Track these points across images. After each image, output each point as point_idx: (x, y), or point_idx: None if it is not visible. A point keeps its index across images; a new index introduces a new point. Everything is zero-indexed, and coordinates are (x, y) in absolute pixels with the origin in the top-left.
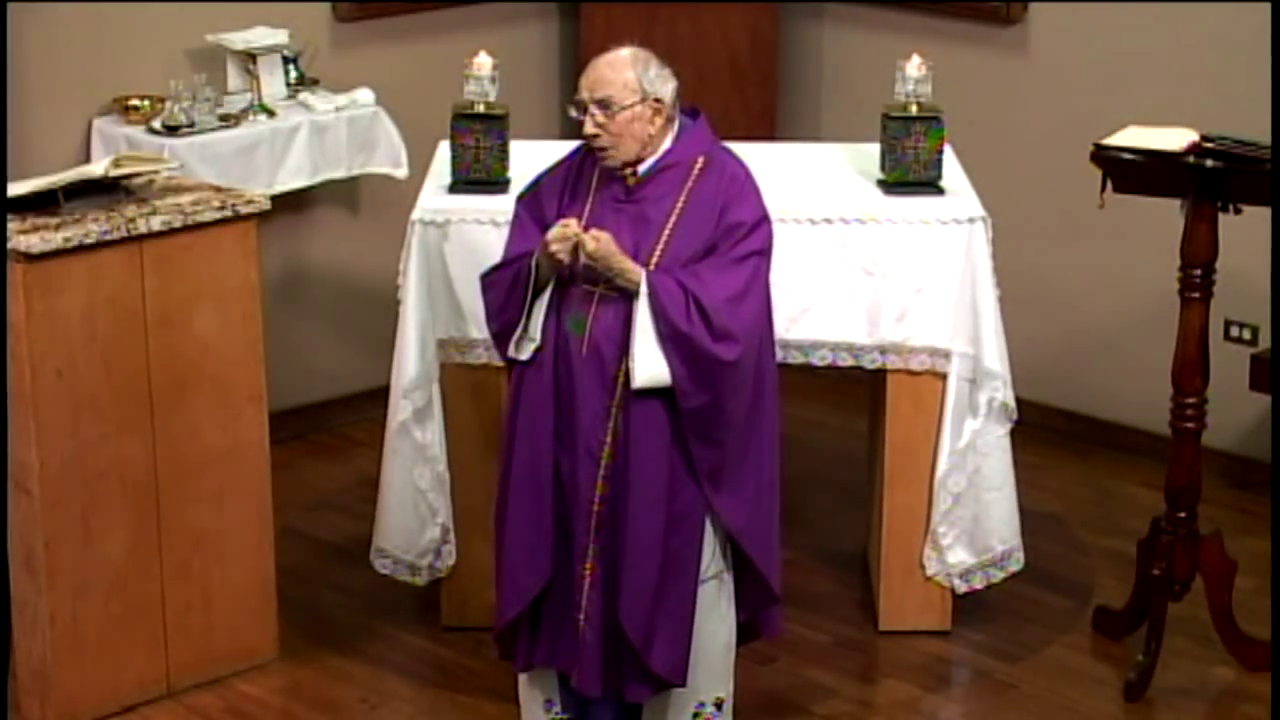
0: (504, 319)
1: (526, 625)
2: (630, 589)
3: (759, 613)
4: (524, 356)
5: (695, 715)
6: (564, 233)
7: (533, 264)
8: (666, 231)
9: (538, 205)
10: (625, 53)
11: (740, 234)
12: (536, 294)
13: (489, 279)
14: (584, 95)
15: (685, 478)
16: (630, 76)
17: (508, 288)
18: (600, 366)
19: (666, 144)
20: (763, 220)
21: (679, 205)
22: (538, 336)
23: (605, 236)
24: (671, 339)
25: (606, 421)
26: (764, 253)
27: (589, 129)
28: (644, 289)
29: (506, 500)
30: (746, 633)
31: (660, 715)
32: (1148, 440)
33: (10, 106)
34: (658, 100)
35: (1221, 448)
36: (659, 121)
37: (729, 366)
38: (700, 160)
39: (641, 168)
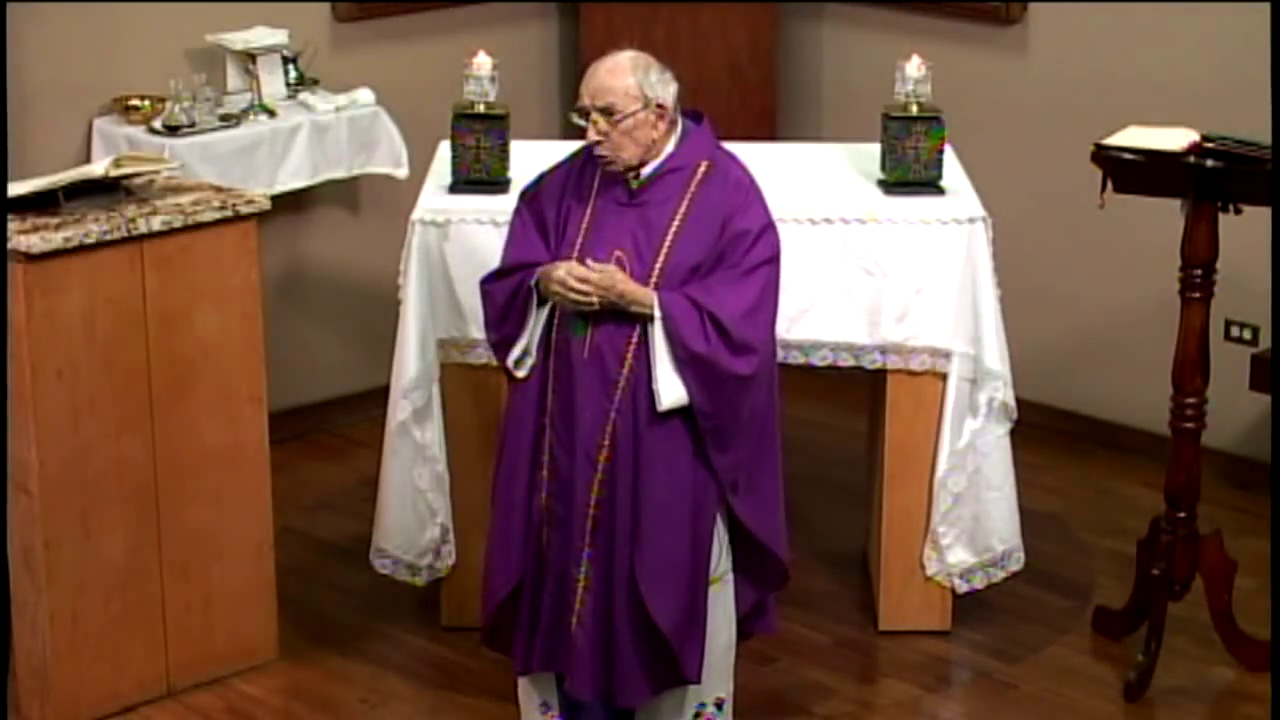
0: (503, 331)
1: (525, 628)
2: (663, 595)
3: (755, 609)
4: (521, 374)
5: (696, 715)
6: (578, 285)
7: (534, 284)
8: (670, 236)
9: (538, 206)
10: (625, 58)
11: (748, 243)
12: (540, 305)
13: (488, 287)
14: (586, 102)
15: (703, 482)
16: (631, 83)
17: (507, 299)
18: (601, 369)
19: (669, 148)
20: (768, 228)
21: (682, 210)
22: (534, 353)
23: (608, 267)
24: (688, 362)
25: (606, 425)
26: (774, 260)
27: (592, 136)
28: (657, 312)
29: (491, 504)
30: (741, 631)
31: (660, 716)
32: (1148, 440)
33: (10, 106)
34: (660, 105)
35: (1221, 448)
36: (662, 126)
37: (746, 380)
38: (703, 165)
39: (645, 171)
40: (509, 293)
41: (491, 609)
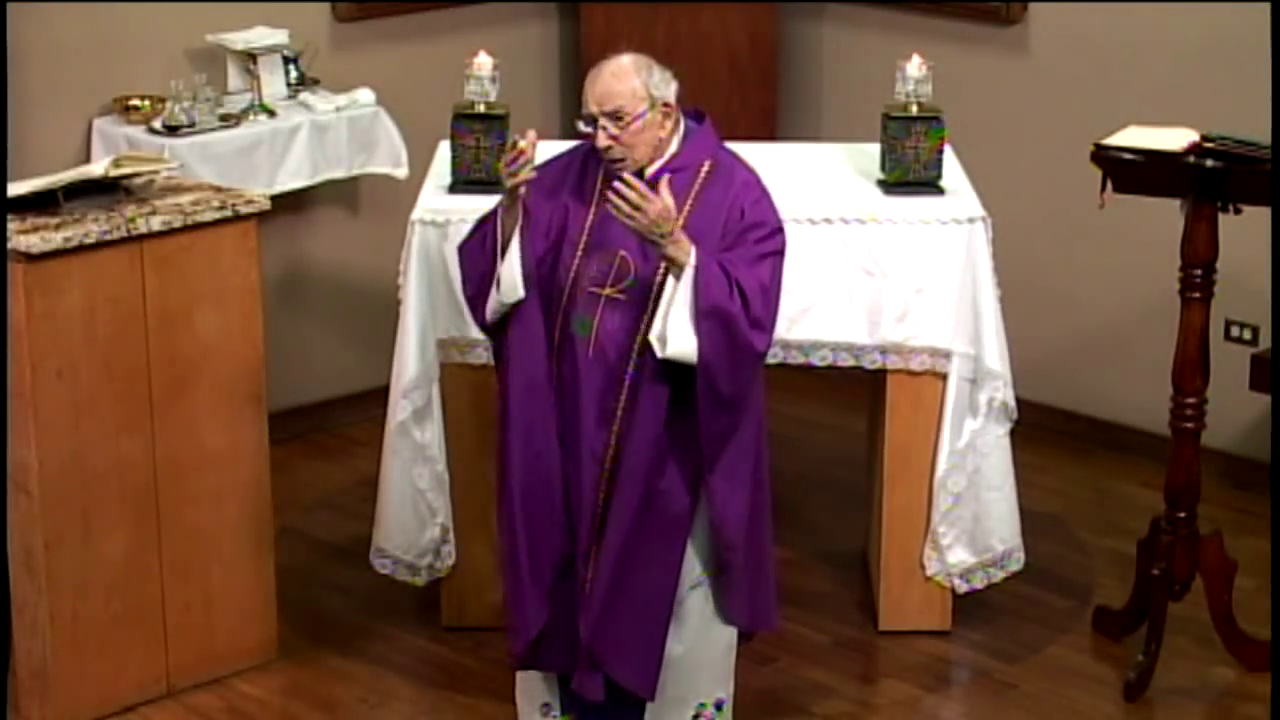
0: (477, 276)
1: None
2: (595, 590)
3: (751, 613)
4: (518, 296)
5: (695, 716)
6: (635, 198)
7: (499, 212)
8: None
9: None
10: (626, 60)
11: (761, 233)
12: (506, 245)
13: (464, 246)
14: (593, 109)
15: (674, 479)
16: (637, 84)
17: (481, 243)
18: (606, 369)
19: (672, 148)
20: (779, 229)
21: (686, 209)
22: (518, 286)
23: (670, 201)
24: (711, 315)
25: (611, 424)
26: (782, 255)
27: (603, 142)
28: (692, 260)
29: (515, 517)
30: (741, 633)
31: (659, 717)
32: (1148, 440)
33: (10, 106)
34: (666, 104)
35: (1221, 448)
36: (669, 125)
37: (754, 355)
38: (707, 164)
39: (649, 172)
40: (483, 237)
41: (529, 638)
